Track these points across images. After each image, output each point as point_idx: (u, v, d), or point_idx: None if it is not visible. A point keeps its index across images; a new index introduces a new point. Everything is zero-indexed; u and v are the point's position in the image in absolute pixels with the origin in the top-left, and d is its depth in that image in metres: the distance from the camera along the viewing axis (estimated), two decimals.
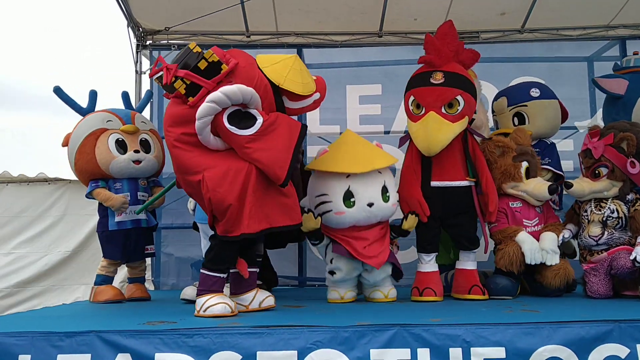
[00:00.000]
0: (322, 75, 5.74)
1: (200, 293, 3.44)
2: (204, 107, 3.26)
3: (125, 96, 4.95)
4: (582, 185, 4.15)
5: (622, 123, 4.24)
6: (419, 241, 4.26)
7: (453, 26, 4.24)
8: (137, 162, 4.51)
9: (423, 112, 4.06)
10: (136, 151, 4.51)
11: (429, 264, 4.20)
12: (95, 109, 4.70)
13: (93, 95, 4.73)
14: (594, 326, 2.84)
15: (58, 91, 4.56)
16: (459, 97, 4.03)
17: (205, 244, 4.17)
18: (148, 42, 6.21)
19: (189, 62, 3.34)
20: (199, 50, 3.39)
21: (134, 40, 6.11)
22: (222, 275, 3.49)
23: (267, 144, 3.35)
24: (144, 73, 6.12)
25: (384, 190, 4.00)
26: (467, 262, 4.23)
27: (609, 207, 4.12)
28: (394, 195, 4.07)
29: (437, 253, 4.23)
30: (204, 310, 3.34)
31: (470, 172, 4.18)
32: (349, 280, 4.09)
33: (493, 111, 5.15)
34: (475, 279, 4.18)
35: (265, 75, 3.51)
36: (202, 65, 3.32)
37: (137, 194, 4.57)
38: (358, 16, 6.05)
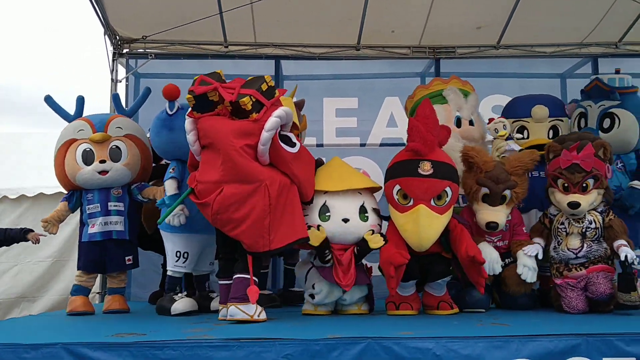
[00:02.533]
0: (300, 87, 5.86)
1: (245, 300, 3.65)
2: (273, 121, 3.70)
3: (115, 98, 4.95)
4: (582, 202, 4.04)
5: (574, 135, 4.33)
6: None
7: (430, 104, 4.20)
8: (104, 172, 4.43)
9: (411, 203, 3.95)
10: (102, 161, 4.42)
11: (408, 289, 4.17)
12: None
13: (80, 101, 4.70)
14: (562, 340, 2.88)
15: (48, 100, 4.63)
16: (447, 189, 3.98)
17: (171, 254, 4.26)
18: (125, 51, 6.17)
19: (254, 84, 3.83)
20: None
21: (110, 48, 6.07)
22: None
23: (303, 165, 3.94)
24: (120, 81, 6.08)
25: (363, 209, 4.05)
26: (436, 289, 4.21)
27: (587, 219, 4.13)
28: (374, 218, 4.08)
29: (416, 280, 4.16)
30: (259, 315, 3.64)
31: (446, 247, 4.08)
32: (329, 303, 4.12)
33: (526, 116, 5.01)
34: (444, 296, 4.20)
35: None
36: (264, 87, 3.81)
37: (108, 205, 4.47)
38: (336, 29, 6.10)
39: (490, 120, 4.90)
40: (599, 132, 4.67)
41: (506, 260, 4.33)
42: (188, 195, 3.93)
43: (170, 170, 4.36)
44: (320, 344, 2.80)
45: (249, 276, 3.69)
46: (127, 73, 6.17)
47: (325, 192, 4.06)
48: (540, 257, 4.21)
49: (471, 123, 4.94)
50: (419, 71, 6.48)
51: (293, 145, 3.90)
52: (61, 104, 4.70)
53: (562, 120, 4.95)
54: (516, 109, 5.03)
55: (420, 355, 2.80)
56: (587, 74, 6.34)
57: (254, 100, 3.73)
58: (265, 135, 3.67)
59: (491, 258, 4.13)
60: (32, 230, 4.59)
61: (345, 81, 6.36)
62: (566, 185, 4.10)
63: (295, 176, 3.84)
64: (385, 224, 4.21)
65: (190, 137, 3.86)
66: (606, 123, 4.76)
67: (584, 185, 4.07)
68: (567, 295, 4.08)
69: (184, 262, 4.33)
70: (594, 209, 4.16)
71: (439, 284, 4.12)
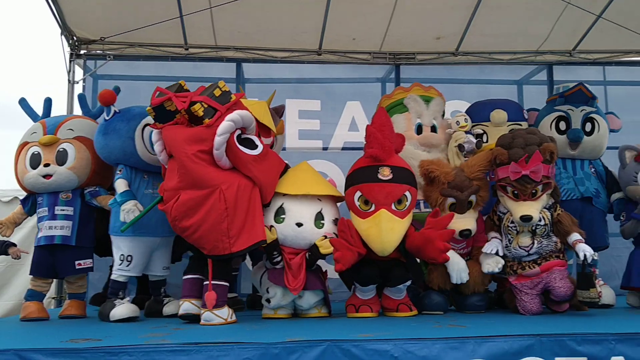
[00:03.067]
0: (262, 91, 5.86)
1: (221, 304, 3.77)
2: (225, 124, 3.73)
3: (81, 99, 4.89)
4: (533, 214, 4.06)
5: (520, 139, 4.21)
6: (358, 277, 4.12)
7: (385, 112, 4.33)
8: (48, 176, 4.33)
9: (372, 208, 3.98)
10: (46, 165, 4.33)
11: (368, 293, 4.19)
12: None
13: (47, 103, 4.67)
14: (516, 340, 2.94)
15: (22, 102, 4.63)
16: (407, 193, 4.03)
17: (115, 257, 4.20)
18: (82, 52, 6.07)
19: (207, 90, 3.91)
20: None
21: (67, 49, 5.96)
22: (228, 284, 3.93)
23: (265, 167, 3.95)
24: (77, 82, 5.98)
25: (319, 216, 4.05)
26: (395, 293, 4.23)
27: None
28: (330, 226, 4.08)
29: (376, 284, 4.16)
30: (231, 317, 3.78)
31: (404, 252, 4.09)
32: (286, 306, 4.11)
33: (485, 121, 5.06)
34: (403, 299, 4.23)
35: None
36: (217, 93, 3.86)
37: (55, 209, 4.36)
38: (298, 34, 6.13)
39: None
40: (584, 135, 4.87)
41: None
42: (157, 204, 3.96)
43: (118, 172, 4.30)
44: (279, 348, 2.80)
45: (217, 282, 3.79)
46: (84, 74, 6.05)
47: (285, 195, 4.06)
48: (500, 253, 4.22)
49: (434, 129, 4.99)
50: (380, 76, 6.55)
51: (254, 147, 3.90)
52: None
53: (520, 125, 5.04)
54: (476, 114, 5.11)
55: (379, 357, 2.82)
56: (543, 81, 6.55)
57: (205, 106, 3.78)
58: (217, 139, 3.70)
59: (459, 267, 4.19)
60: (14, 245, 4.52)
61: (307, 85, 6.37)
62: (516, 192, 4.14)
63: (256, 178, 3.86)
64: None
65: (157, 147, 3.93)
66: (588, 127, 4.95)
67: (534, 191, 4.13)
68: (522, 298, 4.15)
69: (127, 266, 4.20)
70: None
71: (398, 288, 4.16)
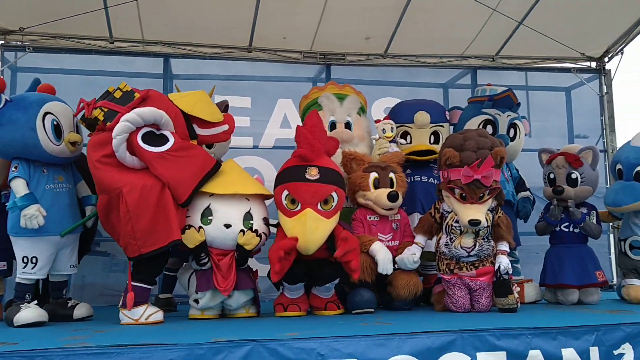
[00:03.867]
0: (190, 87, 5.73)
1: (138, 304, 3.75)
2: (119, 125, 3.71)
3: None
4: (481, 218, 4.08)
5: (472, 142, 4.17)
6: (286, 276, 4.05)
7: (318, 115, 4.37)
8: None
9: (299, 207, 3.99)
10: None
11: (296, 292, 4.19)
12: None
13: None
14: (439, 336, 3.02)
15: None
16: (334, 194, 4.06)
17: (19, 259, 3.94)
18: (0, 42, 5.77)
19: (106, 94, 3.91)
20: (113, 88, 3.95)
21: None
22: (149, 286, 3.88)
23: (177, 165, 3.84)
24: None
25: (248, 216, 4.01)
26: (323, 292, 4.25)
27: None
28: (260, 225, 4.04)
29: (304, 283, 4.17)
30: (146, 318, 3.72)
31: (333, 251, 4.08)
32: (214, 307, 4.05)
33: (409, 122, 5.17)
34: (331, 297, 4.26)
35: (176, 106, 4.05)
36: (118, 94, 3.87)
37: None
38: (228, 30, 6.05)
39: (378, 121, 5.08)
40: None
41: (395, 265, 4.41)
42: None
43: (13, 169, 3.94)
44: (204, 348, 2.75)
45: (137, 284, 3.82)
46: (2, 66, 5.75)
47: (212, 195, 3.99)
48: (416, 258, 4.30)
49: (348, 125, 5.04)
50: (311, 76, 6.57)
51: (164, 144, 3.85)
52: None
53: (442, 126, 5.20)
54: (400, 115, 5.21)
55: (305, 356, 2.83)
56: (467, 84, 6.76)
57: (105, 110, 3.82)
58: (114, 141, 3.70)
59: (385, 257, 4.23)
60: None
61: (237, 82, 6.29)
62: (464, 195, 4.12)
63: (161, 176, 3.79)
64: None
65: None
66: (511, 132, 5.16)
67: (482, 195, 4.12)
68: (455, 293, 4.19)
69: (32, 268, 3.91)
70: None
71: (326, 287, 4.18)
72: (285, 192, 4.05)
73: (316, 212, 3.96)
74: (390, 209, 4.48)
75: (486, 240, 4.22)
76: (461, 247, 4.18)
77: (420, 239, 4.38)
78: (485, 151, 4.08)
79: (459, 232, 4.21)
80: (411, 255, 4.27)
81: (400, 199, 4.48)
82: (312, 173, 4.03)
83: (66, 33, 5.80)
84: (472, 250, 4.17)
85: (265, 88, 6.36)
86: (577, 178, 4.67)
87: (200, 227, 3.91)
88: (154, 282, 3.97)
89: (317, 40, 6.28)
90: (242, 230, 3.94)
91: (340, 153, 4.59)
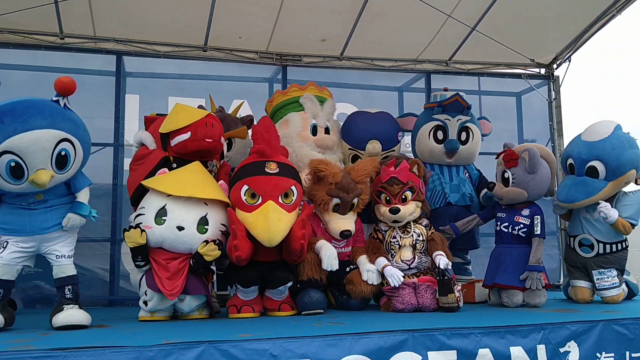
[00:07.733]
0: (144, 85, 5.63)
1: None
2: None
3: None
4: (401, 208, 4.42)
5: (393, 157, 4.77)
6: (239, 278, 4.10)
7: (270, 120, 4.48)
8: None
9: (259, 201, 3.96)
10: None
11: (250, 294, 4.17)
12: None
13: None
14: (391, 336, 3.07)
15: None
16: (293, 187, 4.08)
17: None
18: None
19: None
20: None
21: None
22: None
23: (135, 173, 4.18)
24: None
25: (203, 221, 3.94)
26: (277, 295, 4.25)
27: (414, 231, 4.49)
28: (214, 232, 3.97)
29: (257, 285, 4.15)
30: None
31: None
32: (164, 310, 3.97)
33: (361, 149, 5.25)
34: (285, 298, 4.27)
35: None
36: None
37: None
38: (182, 28, 5.96)
39: None
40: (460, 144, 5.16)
41: (351, 265, 4.54)
42: None
43: None
44: (155, 350, 2.71)
45: None
46: None
47: (169, 196, 3.92)
48: (401, 274, 4.36)
49: (327, 130, 5.10)
50: (267, 77, 6.54)
51: None
52: None
53: (393, 151, 5.32)
54: (352, 139, 5.27)
55: (257, 357, 2.83)
56: (422, 88, 6.85)
57: None
58: None
59: (330, 254, 4.26)
60: None
61: (192, 81, 6.22)
62: (388, 198, 4.47)
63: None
64: None
65: None
66: (464, 136, 5.25)
67: (404, 197, 4.45)
68: (400, 293, 4.28)
69: None
70: (420, 223, 4.54)
71: (279, 290, 4.17)
72: (245, 187, 4.02)
73: (278, 204, 3.96)
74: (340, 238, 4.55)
75: (424, 254, 4.48)
76: (402, 261, 4.43)
77: (382, 261, 4.46)
78: (402, 159, 4.64)
79: (397, 247, 4.46)
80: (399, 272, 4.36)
81: (353, 231, 4.53)
82: (272, 167, 4.07)
83: (15, 27, 5.62)
84: (412, 262, 4.43)
85: (220, 88, 6.29)
86: (508, 178, 4.68)
87: (142, 230, 3.82)
88: None
89: (273, 40, 6.25)
90: (205, 241, 3.88)
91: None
